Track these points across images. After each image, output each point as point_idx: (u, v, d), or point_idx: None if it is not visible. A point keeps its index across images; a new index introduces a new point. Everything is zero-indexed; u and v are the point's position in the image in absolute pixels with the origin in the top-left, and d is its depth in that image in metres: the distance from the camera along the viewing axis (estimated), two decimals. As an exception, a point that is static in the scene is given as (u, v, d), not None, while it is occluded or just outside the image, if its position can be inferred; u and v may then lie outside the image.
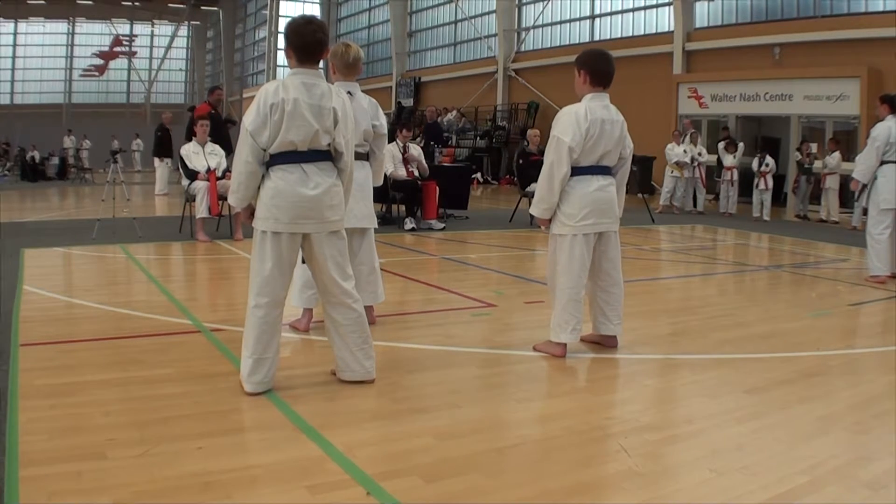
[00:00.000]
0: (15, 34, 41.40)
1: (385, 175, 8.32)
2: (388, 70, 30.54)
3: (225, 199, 7.47)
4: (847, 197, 12.23)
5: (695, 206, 13.59)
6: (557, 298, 3.81)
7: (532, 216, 4.04)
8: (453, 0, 26.88)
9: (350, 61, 4.03)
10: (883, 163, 6.41)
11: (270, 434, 2.71)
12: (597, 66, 3.80)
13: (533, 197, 4.14)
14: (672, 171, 13.47)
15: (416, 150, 9.64)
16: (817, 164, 13.00)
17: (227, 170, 8.02)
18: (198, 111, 10.27)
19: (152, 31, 45.30)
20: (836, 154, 12.38)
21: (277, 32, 37.76)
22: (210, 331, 4.16)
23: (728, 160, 13.20)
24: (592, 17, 21.22)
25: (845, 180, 12.07)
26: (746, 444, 2.70)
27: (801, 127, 15.00)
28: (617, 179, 3.93)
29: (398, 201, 9.56)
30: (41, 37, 42.34)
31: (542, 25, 22.93)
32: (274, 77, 36.58)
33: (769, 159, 12.57)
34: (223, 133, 10.05)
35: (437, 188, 9.47)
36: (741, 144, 13.39)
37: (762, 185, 12.42)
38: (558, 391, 3.43)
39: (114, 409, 2.86)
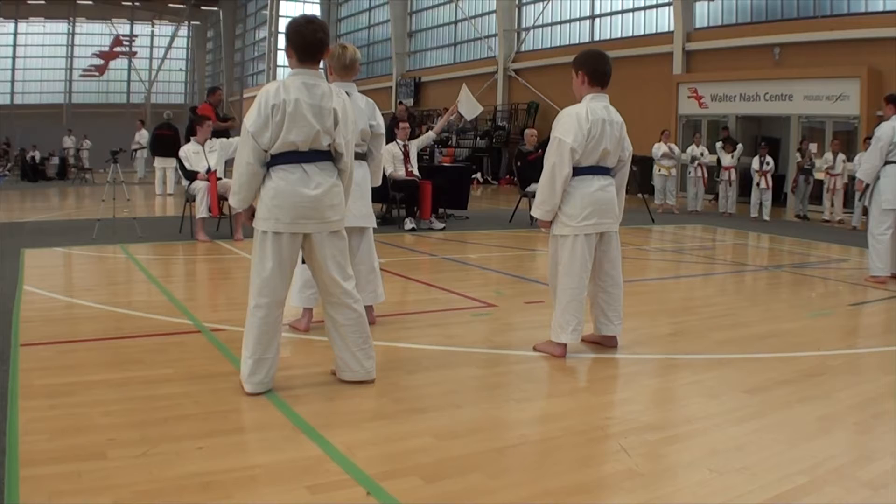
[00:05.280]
0: (15, 34, 41.38)
1: (385, 175, 8.33)
2: (388, 70, 30.54)
3: (225, 199, 7.48)
4: (849, 197, 12.24)
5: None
6: (558, 299, 3.81)
7: (533, 217, 4.03)
8: (453, 0, 26.88)
9: (347, 62, 4.03)
10: (886, 163, 6.41)
11: (270, 434, 2.71)
12: (595, 66, 3.81)
13: (533, 197, 4.13)
14: (659, 170, 13.58)
15: (415, 148, 9.65)
16: (818, 162, 12.99)
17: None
18: (200, 111, 10.28)
19: (152, 31, 45.28)
20: (840, 155, 12.35)
21: (277, 32, 37.76)
22: (210, 331, 4.16)
23: (726, 160, 13.22)
24: (592, 17, 21.23)
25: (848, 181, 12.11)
26: (746, 444, 2.70)
27: (801, 127, 15.00)
28: (616, 181, 3.93)
29: (398, 201, 9.56)
30: (41, 37, 42.31)
31: (542, 25, 22.93)
32: (274, 77, 36.60)
33: (769, 158, 12.57)
34: (222, 133, 10.09)
35: (432, 187, 9.49)
36: (739, 145, 13.38)
37: (762, 184, 12.42)
38: (558, 391, 3.43)
39: (114, 409, 2.86)
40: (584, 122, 3.69)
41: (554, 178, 3.75)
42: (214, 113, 10.68)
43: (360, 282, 3.76)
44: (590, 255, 3.80)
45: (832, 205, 12.47)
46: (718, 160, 13.59)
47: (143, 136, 19.69)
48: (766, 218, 12.28)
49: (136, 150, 19.70)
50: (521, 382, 3.48)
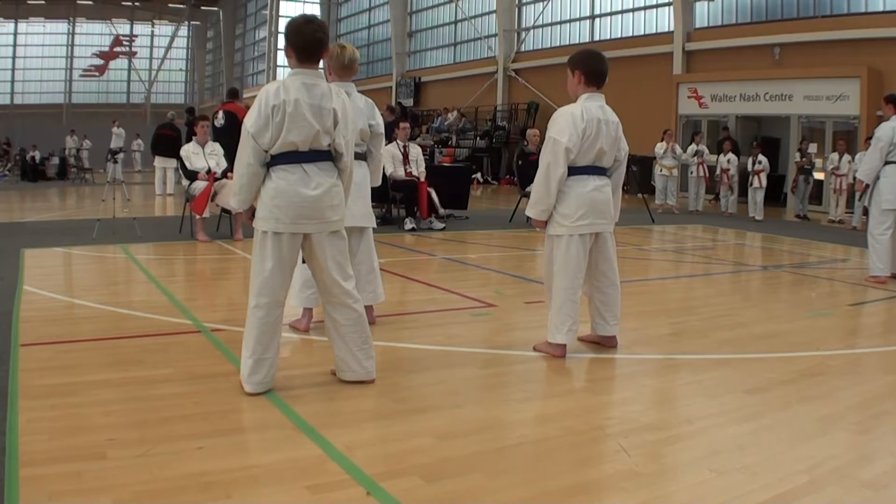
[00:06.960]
0: (15, 34, 41.39)
1: (385, 175, 8.33)
2: (388, 70, 30.53)
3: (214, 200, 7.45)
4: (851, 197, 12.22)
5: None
6: (554, 299, 3.81)
7: (529, 217, 4.03)
8: (453, 0, 26.88)
9: (346, 62, 4.02)
10: (886, 163, 6.41)
11: (270, 434, 2.71)
12: (591, 65, 3.81)
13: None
14: (660, 170, 13.60)
15: (415, 148, 9.65)
16: (822, 162, 12.98)
17: (229, 169, 8.00)
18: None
19: (152, 31, 45.29)
20: (846, 156, 12.32)
21: (277, 32, 37.73)
22: (210, 331, 4.16)
23: (723, 161, 13.21)
24: (592, 17, 21.21)
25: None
26: (746, 444, 2.70)
27: (801, 127, 14.99)
28: (613, 182, 3.93)
29: (398, 201, 9.56)
30: (41, 37, 42.31)
31: (542, 25, 22.92)
32: (274, 77, 36.59)
33: (761, 157, 12.56)
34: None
35: (428, 187, 9.48)
36: (731, 156, 13.28)
37: (755, 184, 12.42)
38: (558, 391, 3.43)
39: (114, 409, 2.86)
40: (578, 122, 3.69)
41: (549, 178, 3.74)
42: (235, 119, 10.57)
43: (359, 282, 3.76)
44: (584, 255, 3.79)
45: (837, 205, 12.47)
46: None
47: (120, 134, 19.11)
48: (759, 217, 12.19)
49: (115, 153, 16.56)
50: (521, 382, 3.48)
